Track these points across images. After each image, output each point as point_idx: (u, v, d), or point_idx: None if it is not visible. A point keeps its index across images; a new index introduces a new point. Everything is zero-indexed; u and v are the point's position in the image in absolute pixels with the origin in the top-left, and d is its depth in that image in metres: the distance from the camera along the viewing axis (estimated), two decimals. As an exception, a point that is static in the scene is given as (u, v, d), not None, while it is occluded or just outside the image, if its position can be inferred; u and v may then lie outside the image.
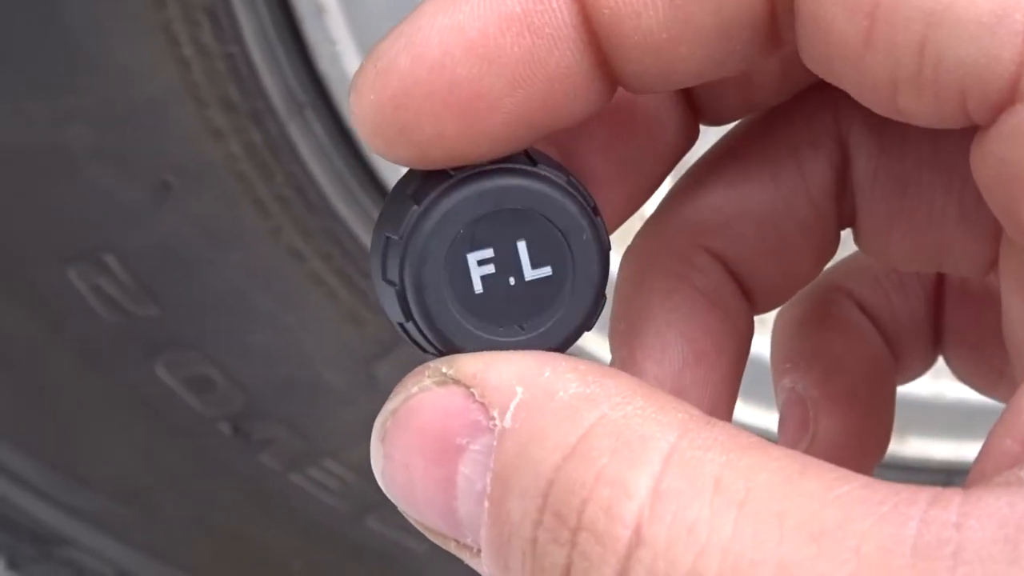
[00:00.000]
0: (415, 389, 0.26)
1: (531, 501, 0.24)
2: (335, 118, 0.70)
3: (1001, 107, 0.24)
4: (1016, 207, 0.25)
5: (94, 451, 0.79)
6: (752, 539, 0.22)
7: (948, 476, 0.87)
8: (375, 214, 0.72)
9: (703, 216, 0.33)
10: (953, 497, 0.22)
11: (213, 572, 0.85)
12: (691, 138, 0.33)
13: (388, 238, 0.27)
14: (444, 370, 0.26)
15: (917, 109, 0.25)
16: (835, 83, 0.27)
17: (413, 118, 0.26)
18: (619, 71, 0.27)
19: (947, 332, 0.38)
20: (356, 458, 0.78)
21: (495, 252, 0.27)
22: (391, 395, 0.27)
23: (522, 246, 0.27)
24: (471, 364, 0.25)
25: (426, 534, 0.27)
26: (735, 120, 0.34)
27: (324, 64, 0.68)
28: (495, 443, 0.25)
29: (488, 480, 0.24)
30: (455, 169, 0.27)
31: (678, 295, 0.32)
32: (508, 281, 0.27)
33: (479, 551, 0.25)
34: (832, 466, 0.23)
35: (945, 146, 0.31)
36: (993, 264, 0.32)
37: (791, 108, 0.33)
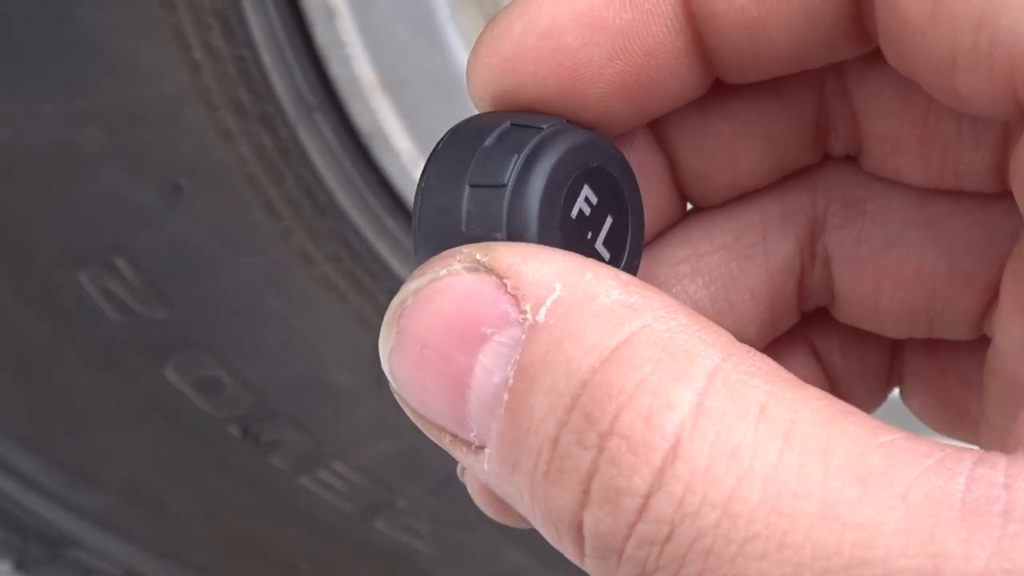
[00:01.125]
0: (443, 272, 0.25)
1: (559, 399, 0.23)
2: (344, 121, 0.70)
3: None
4: None
5: (103, 452, 0.79)
6: (797, 471, 0.21)
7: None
8: (384, 216, 0.72)
9: (654, 272, 0.33)
10: (999, 460, 0.21)
11: (222, 573, 0.85)
12: (673, 217, 0.34)
13: (516, 125, 0.27)
14: (478, 256, 0.25)
15: (972, 88, 0.26)
16: (905, 70, 0.27)
17: (520, 81, 0.28)
18: (713, 50, 0.29)
19: (907, 377, 0.38)
20: (365, 460, 0.78)
21: (597, 204, 0.28)
22: (413, 277, 0.26)
23: (609, 222, 0.28)
24: (509, 254, 0.25)
25: (419, 424, 0.26)
26: (719, 201, 0.34)
27: (334, 67, 0.68)
28: (524, 337, 0.24)
29: (511, 373, 0.24)
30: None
31: None
32: (587, 232, 0.28)
33: (479, 448, 0.24)
34: (871, 416, 0.23)
35: (933, 207, 0.32)
36: (983, 317, 0.32)
37: (770, 187, 0.34)
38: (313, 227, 0.71)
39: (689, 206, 0.35)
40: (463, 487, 0.32)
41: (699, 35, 0.28)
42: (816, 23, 0.28)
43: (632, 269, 0.29)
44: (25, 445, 0.77)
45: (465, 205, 0.27)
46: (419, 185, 0.28)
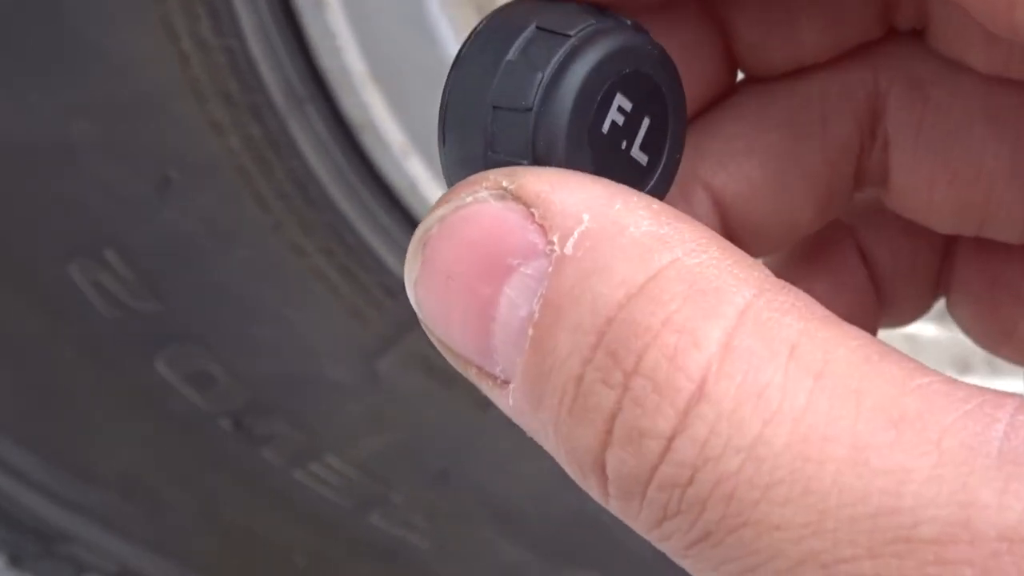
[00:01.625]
0: (469, 199, 0.24)
1: (584, 336, 0.22)
2: (335, 113, 0.70)
3: None
4: None
5: (96, 446, 0.79)
6: (827, 413, 0.20)
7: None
8: (375, 209, 0.72)
9: (708, 147, 0.32)
10: None
11: (216, 567, 0.85)
12: (724, 86, 0.33)
13: (542, 30, 0.26)
14: (505, 183, 0.24)
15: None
16: (958, 7, 0.26)
17: None
18: None
19: (955, 284, 0.36)
20: (359, 454, 0.78)
21: (632, 110, 0.26)
22: (439, 202, 0.25)
23: (646, 123, 0.26)
24: (536, 182, 0.24)
25: (447, 356, 0.25)
26: (775, 73, 0.33)
27: (324, 58, 0.68)
28: (550, 269, 0.23)
29: (536, 306, 0.23)
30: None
31: None
32: (621, 142, 0.26)
33: (504, 382, 0.24)
34: (910, 358, 0.22)
35: (999, 100, 0.30)
36: None
37: (830, 62, 0.32)
38: (304, 219, 0.71)
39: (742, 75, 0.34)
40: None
41: None
42: None
43: (672, 169, 0.28)
44: (16, 440, 0.76)
45: (490, 127, 0.26)
46: (444, 96, 0.27)
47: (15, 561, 0.83)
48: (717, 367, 0.21)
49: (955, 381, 0.21)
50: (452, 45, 0.68)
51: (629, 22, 0.27)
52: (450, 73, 0.27)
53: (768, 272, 0.23)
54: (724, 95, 0.33)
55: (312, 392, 0.76)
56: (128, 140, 0.66)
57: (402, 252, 0.74)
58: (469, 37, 0.27)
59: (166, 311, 0.72)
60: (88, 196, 0.67)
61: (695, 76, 0.31)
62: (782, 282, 0.23)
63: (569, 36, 0.25)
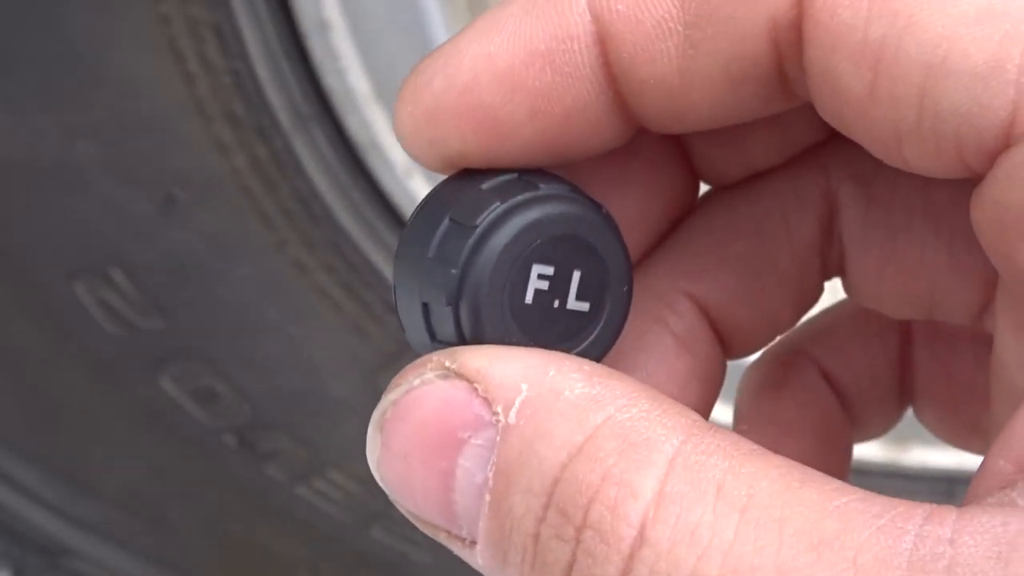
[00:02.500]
0: (416, 381, 0.26)
1: (535, 498, 0.24)
2: (339, 131, 0.70)
3: (996, 153, 0.25)
4: (1011, 250, 0.26)
5: (101, 462, 0.79)
6: (753, 544, 0.22)
7: (950, 485, 0.87)
8: (379, 227, 0.72)
9: (686, 261, 0.34)
10: (948, 514, 0.22)
11: (219, 582, 0.85)
12: (689, 199, 0.34)
13: (453, 222, 0.27)
14: (447, 363, 0.26)
15: (920, 159, 0.26)
16: (847, 134, 0.28)
17: (441, 133, 0.28)
18: (635, 111, 0.29)
19: (917, 392, 0.38)
20: (361, 469, 0.78)
21: (555, 272, 0.28)
22: (390, 386, 0.27)
23: (576, 275, 0.28)
24: (475, 359, 0.26)
25: (417, 524, 0.27)
26: (733, 180, 0.34)
27: (328, 78, 0.69)
28: (498, 438, 0.25)
29: (490, 474, 0.25)
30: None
31: (651, 337, 0.33)
32: (554, 302, 0.28)
33: (472, 542, 0.26)
34: (831, 478, 0.24)
35: (935, 196, 0.32)
36: (983, 309, 0.33)
37: (783, 166, 0.34)
38: (308, 237, 0.72)
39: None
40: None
41: (621, 97, 0.28)
42: (740, 92, 0.28)
43: (619, 310, 0.29)
44: (22, 455, 0.77)
45: (425, 321, 0.28)
46: (392, 280, 0.29)
47: (20, 575, 0.83)
48: (654, 513, 0.23)
49: (871, 497, 0.23)
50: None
51: (561, 187, 0.28)
52: (394, 260, 0.29)
53: (696, 416, 0.25)
54: (691, 208, 0.35)
55: (315, 407, 0.77)
56: (133, 160, 0.67)
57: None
58: (404, 231, 0.29)
59: (170, 328, 0.72)
60: (93, 215, 0.68)
61: (663, 194, 0.33)
62: (709, 424, 0.25)
63: (475, 227, 0.27)
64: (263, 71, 0.67)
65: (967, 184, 0.27)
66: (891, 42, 0.25)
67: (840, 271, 0.34)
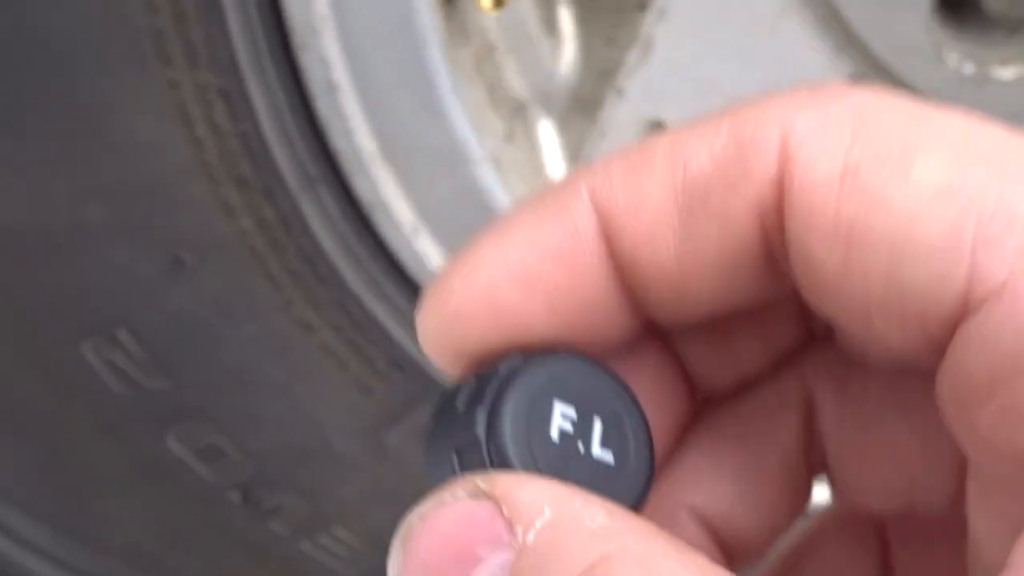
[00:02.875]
0: (448, 497, 0.27)
1: None
2: (346, 192, 0.70)
3: (956, 323, 0.26)
4: (973, 418, 0.26)
5: (106, 517, 0.79)
6: None
7: None
8: (385, 284, 0.72)
9: (683, 472, 0.34)
10: None
11: (222, 637, 0.85)
12: (685, 410, 0.35)
13: (479, 377, 0.29)
14: (480, 484, 0.27)
15: (889, 331, 0.27)
16: (827, 315, 0.29)
17: (463, 335, 0.30)
18: (640, 300, 0.30)
19: None
20: (365, 525, 0.78)
21: (577, 414, 0.29)
22: (424, 499, 0.28)
23: (597, 422, 0.29)
24: (507, 481, 0.27)
25: None
26: (725, 389, 0.36)
27: (336, 139, 0.69)
28: (514, 558, 0.26)
29: None
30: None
31: None
32: (579, 446, 0.29)
33: None
34: None
35: (905, 387, 0.33)
36: (958, 495, 0.33)
37: (768, 373, 0.35)
38: (314, 296, 0.72)
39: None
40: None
41: (627, 287, 0.30)
42: (734, 276, 0.29)
43: (645, 465, 0.30)
44: (27, 510, 0.77)
45: (457, 467, 0.29)
46: (424, 436, 0.31)
47: (22, 629, 0.83)
48: None
49: None
50: (463, 124, 0.69)
51: (572, 353, 0.30)
52: (426, 424, 0.31)
53: (706, 560, 0.26)
54: (687, 419, 0.36)
55: (320, 465, 0.77)
56: (141, 222, 0.67)
57: (410, 325, 0.75)
58: (435, 405, 0.31)
59: (176, 388, 0.72)
60: (101, 278, 0.68)
61: (662, 406, 0.34)
62: (719, 568, 0.25)
63: (498, 371, 0.29)
64: (271, 134, 0.67)
65: (934, 374, 0.28)
66: (861, 220, 0.26)
67: (824, 469, 0.35)
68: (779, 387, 0.35)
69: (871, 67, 0.78)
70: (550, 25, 0.77)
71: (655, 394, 0.34)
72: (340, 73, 0.66)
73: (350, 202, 0.71)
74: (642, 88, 0.75)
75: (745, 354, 0.34)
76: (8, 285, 0.67)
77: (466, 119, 0.69)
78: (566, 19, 0.78)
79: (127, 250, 0.67)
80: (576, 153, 0.77)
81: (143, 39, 0.62)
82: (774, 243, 0.28)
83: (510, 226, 0.30)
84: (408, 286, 0.74)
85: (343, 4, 0.65)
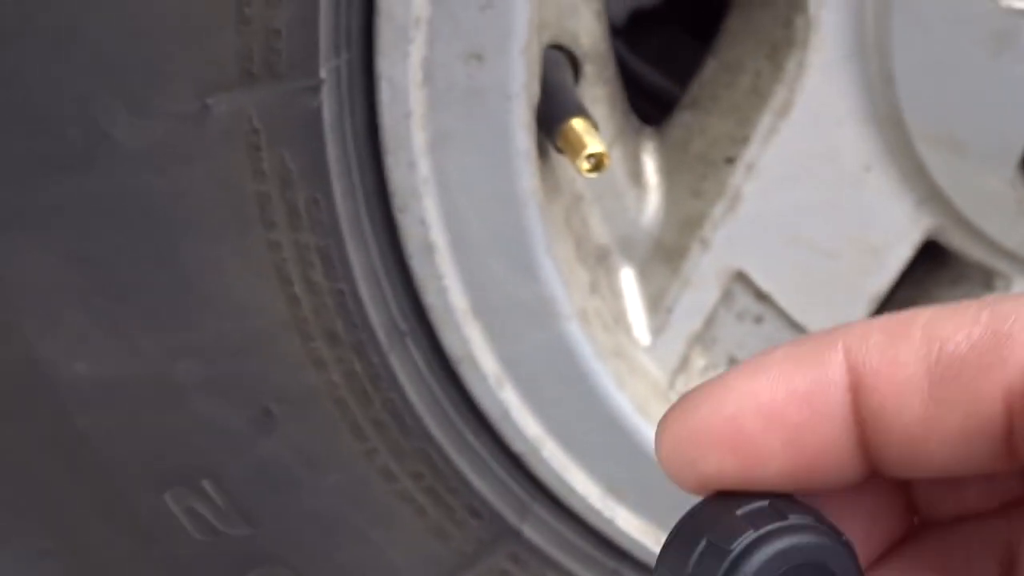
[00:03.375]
0: None
1: None
2: (435, 346, 0.70)
3: None
4: None
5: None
6: None
7: None
8: (467, 434, 0.72)
9: None
10: None
11: None
12: (903, 529, 0.37)
13: (711, 544, 0.31)
14: None
15: None
16: None
17: (702, 454, 0.32)
18: (876, 454, 0.32)
19: None
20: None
21: None
22: None
23: None
24: None
25: None
26: (942, 520, 0.37)
27: (429, 296, 0.68)
28: None
29: None
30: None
31: None
32: None
33: None
34: None
35: None
36: None
37: (980, 516, 0.36)
38: (398, 446, 0.71)
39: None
40: None
41: (865, 439, 0.32)
42: (973, 447, 0.31)
43: None
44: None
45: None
46: None
47: None
48: None
49: None
50: (555, 283, 0.69)
51: (806, 517, 0.31)
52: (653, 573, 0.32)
53: None
54: (903, 537, 0.37)
55: (393, 609, 0.77)
56: (232, 377, 0.67)
57: (490, 474, 0.75)
58: (663, 546, 0.32)
59: (256, 535, 0.72)
60: (189, 430, 0.67)
61: (883, 523, 0.36)
62: None
63: (730, 551, 0.30)
64: (365, 291, 0.67)
65: None
66: None
67: None
68: (989, 531, 0.36)
69: (953, 220, 0.78)
70: (636, 176, 0.77)
71: (875, 512, 0.36)
72: (437, 234, 0.66)
73: (438, 355, 0.71)
74: (727, 239, 0.75)
75: (972, 499, 0.36)
76: (95, 434, 0.67)
77: (557, 276, 0.69)
78: (651, 170, 0.78)
79: (217, 404, 0.67)
80: (657, 303, 0.77)
81: (248, 203, 0.62)
82: (1017, 424, 0.31)
83: (764, 365, 0.32)
84: (489, 434, 0.74)
85: (444, 168, 0.65)
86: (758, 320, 0.80)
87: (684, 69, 0.80)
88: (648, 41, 0.95)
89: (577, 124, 0.65)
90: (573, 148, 0.65)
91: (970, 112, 0.73)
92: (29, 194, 0.60)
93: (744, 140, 0.74)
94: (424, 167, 0.64)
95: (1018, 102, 0.73)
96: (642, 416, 0.75)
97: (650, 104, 0.87)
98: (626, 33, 0.94)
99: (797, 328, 0.79)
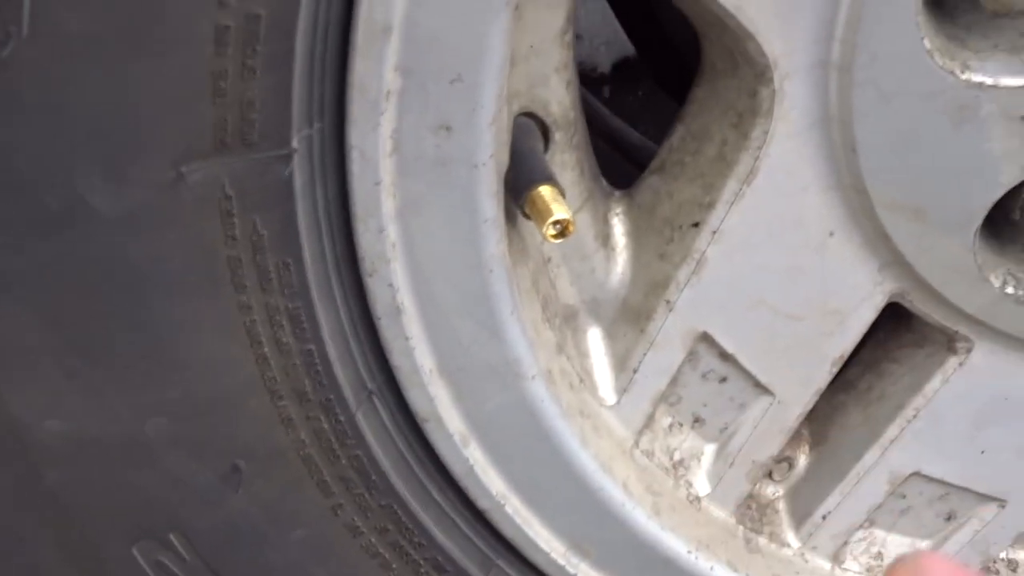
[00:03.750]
0: None
1: None
2: (402, 404, 0.71)
3: None
4: None
5: None
6: None
7: None
8: (432, 490, 0.73)
9: None
10: None
11: None
12: None
13: None
14: None
15: None
16: None
17: None
18: None
19: None
20: None
21: None
22: None
23: None
24: None
25: None
26: None
27: (396, 357, 0.70)
28: None
29: None
30: None
31: None
32: None
33: None
34: None
35: None
36: None
37: None
38: (364, 502, 0.72)
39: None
40: None
41: None
42: None
43: None
44: None
45: None
46: None
47: None
48: None
49: None
50: (520, 344, 0.70)
51: None
52: None
53: None
54: None
55: (356, 660, 0.77)
56: (201, 434, 0.68)
57: (455, 530, 0.76)
58: None
59: (222, 587, 0.73)
60: (158, 486, 0.68)
61: None
62: None
63: None
64: (334, 352, 0.68)
65: None
66: None
67: None
68: None
69: (915, 285, 0.79)
70: (604, 238, 0.78)
71: None
72: (405, 296, 0.68)
73: (404, 414, 0.72)
74: (692, 302, 0.77)
75: None
76: (65, 489, 0.68)
77: (523, 338, 0.71)
78: (620, 233, 0.79)
79: (186, 460, 0.68)
80: (623, 363, 0.79)
81: (218, 266, 0.63)
82: None
83: None
84: (455, 491, 0.75)
85: (412, 233, 0.66)
86: (722, 380, 0.81)
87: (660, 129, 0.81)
88: (627, 99, 0.97)
89: (544, 191, 0.67)
90: (540, 214, 0.66)
91: (931, 181, 0.74)
92: (7, 257, 0.61)
93: (710, 205, 0.75)
94: (393, 232, 0.66)
95: (978, 171, 0.74)
96: (606, 474, 0.76)
97: (628, 161, 0.89)
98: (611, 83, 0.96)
99: (760, 388, 0.81)
